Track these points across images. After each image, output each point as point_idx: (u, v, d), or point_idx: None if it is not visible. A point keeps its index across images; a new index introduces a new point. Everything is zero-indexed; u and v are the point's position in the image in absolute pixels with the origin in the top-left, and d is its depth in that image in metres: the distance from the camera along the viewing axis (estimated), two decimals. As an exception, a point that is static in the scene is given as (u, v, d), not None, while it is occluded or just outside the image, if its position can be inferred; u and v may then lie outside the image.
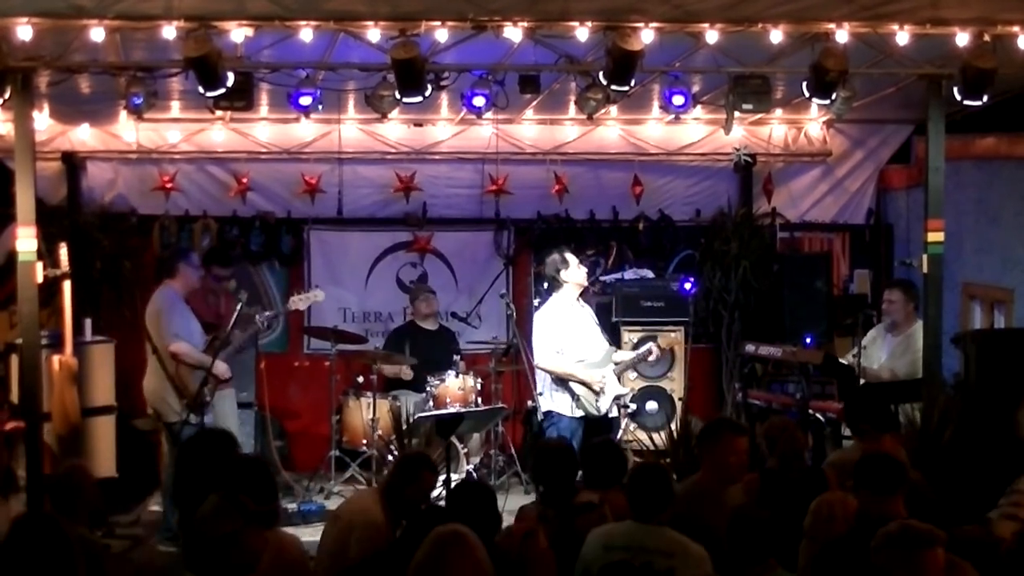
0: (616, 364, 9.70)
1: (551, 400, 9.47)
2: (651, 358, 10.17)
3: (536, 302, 10.56)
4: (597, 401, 9.43)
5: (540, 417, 9.44)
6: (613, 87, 8.30)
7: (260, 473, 6.16)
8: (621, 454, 7.27)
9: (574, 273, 9.67)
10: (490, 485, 6.36)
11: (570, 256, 9.72)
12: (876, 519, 5.59)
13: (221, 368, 9.51)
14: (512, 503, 8.11)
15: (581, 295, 9.87)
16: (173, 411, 9.48)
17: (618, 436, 10.22)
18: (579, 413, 9.42)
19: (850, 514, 5.92)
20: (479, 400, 10.59)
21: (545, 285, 10.04)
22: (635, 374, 11.15)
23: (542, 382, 9.54)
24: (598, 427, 9.44)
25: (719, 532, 5.68)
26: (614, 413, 9.79)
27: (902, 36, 8.19)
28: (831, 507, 6.06)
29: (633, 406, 10.94)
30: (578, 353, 9.53)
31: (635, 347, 10.73)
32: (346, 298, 11.94)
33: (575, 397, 9.43)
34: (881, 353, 9.93)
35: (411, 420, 10.16)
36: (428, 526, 5.07)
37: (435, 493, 7.12)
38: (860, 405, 7.77)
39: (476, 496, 5.99)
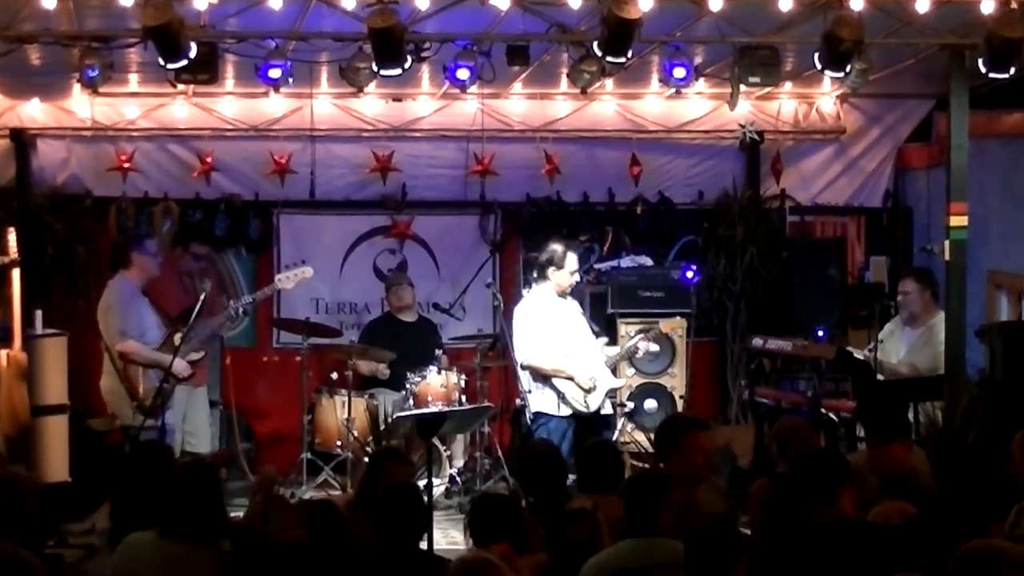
0: (607, 358, 9.68)
1: (538, 399, 9.45)
2: (639, 355, 10.13)
3: (525, 292, 10.53)
4: (586, 398, 9.41)
5: (529, 418, 9.42)
6: (609, 58, 8.30)
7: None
8: (618, 456, 7.25)
9: (564, 276, 9.59)
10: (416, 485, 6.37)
11: (572, 257, 9.61)
12: (821, 524, 5.74)
13: (180, 367, 9.48)
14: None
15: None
16: (128, 414, 9.47)
17: (614, 436, 10.21)
18: (566, 411, 9.41)
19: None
20: (463, 398, 10.56)
21: (534, 273, 9.96)
22: (633, 370, 11.15)
23: (527, 379, 9.52)
24: (591, 426, 9.43)
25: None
26: (608, 410, 9.78)
27: (922, 3, 8.21)
28: (888, 518, 6.06)
29: (631, 404, 10.94)
30: (564, 347, 9.51)
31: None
32: (319, 288, 11.84)
33: (560, 395, 9.41)
34: (900, 347, 9.93)
35: (389, 420, 10.15)
36: None
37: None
38: (867, 412, 7.74)
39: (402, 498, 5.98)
